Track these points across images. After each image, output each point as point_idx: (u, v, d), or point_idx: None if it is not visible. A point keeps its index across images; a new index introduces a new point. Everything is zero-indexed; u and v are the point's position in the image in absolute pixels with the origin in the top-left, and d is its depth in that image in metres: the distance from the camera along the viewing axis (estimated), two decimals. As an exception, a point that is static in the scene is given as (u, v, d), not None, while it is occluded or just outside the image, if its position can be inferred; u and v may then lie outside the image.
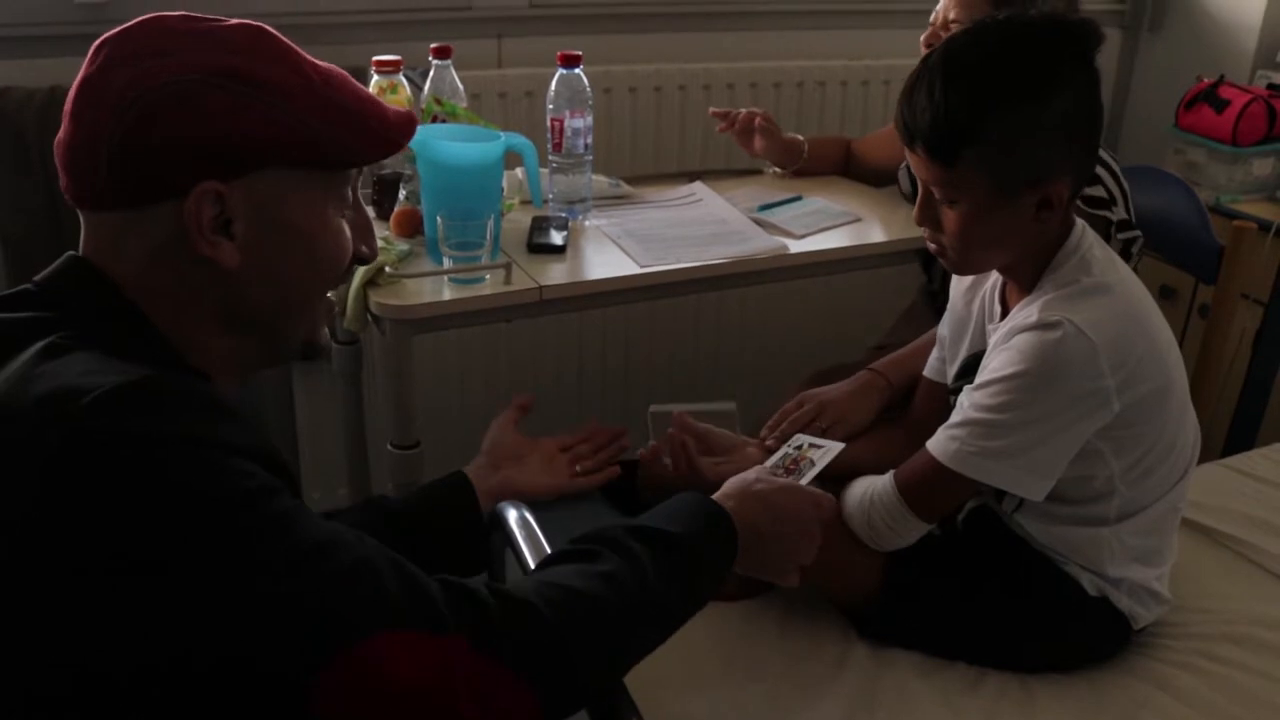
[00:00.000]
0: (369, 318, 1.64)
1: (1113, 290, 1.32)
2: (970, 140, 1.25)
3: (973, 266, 1.42)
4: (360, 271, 1.63)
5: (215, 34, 0.87)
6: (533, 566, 1.06)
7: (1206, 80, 2.69)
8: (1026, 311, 1.32)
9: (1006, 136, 1.24)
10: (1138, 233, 1.82)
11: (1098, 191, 1.79)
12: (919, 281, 2.25)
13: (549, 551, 1.07)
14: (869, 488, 1.41)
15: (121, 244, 0.87)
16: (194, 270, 0.87)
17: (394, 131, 0.95)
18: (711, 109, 2.15)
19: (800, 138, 2.22)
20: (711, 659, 1.36)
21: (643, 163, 2.47)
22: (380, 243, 1.70)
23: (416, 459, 1.67)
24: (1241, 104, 2.58)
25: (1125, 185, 1.82)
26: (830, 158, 2.26)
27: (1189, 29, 2.93)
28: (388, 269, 1.63)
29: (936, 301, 2.13)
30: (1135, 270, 1.76)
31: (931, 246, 1.38)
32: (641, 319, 2.59)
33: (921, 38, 1.91)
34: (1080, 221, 1.37)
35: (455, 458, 1.87)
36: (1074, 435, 1.30)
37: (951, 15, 1.87)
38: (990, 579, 1.42)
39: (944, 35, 1.82)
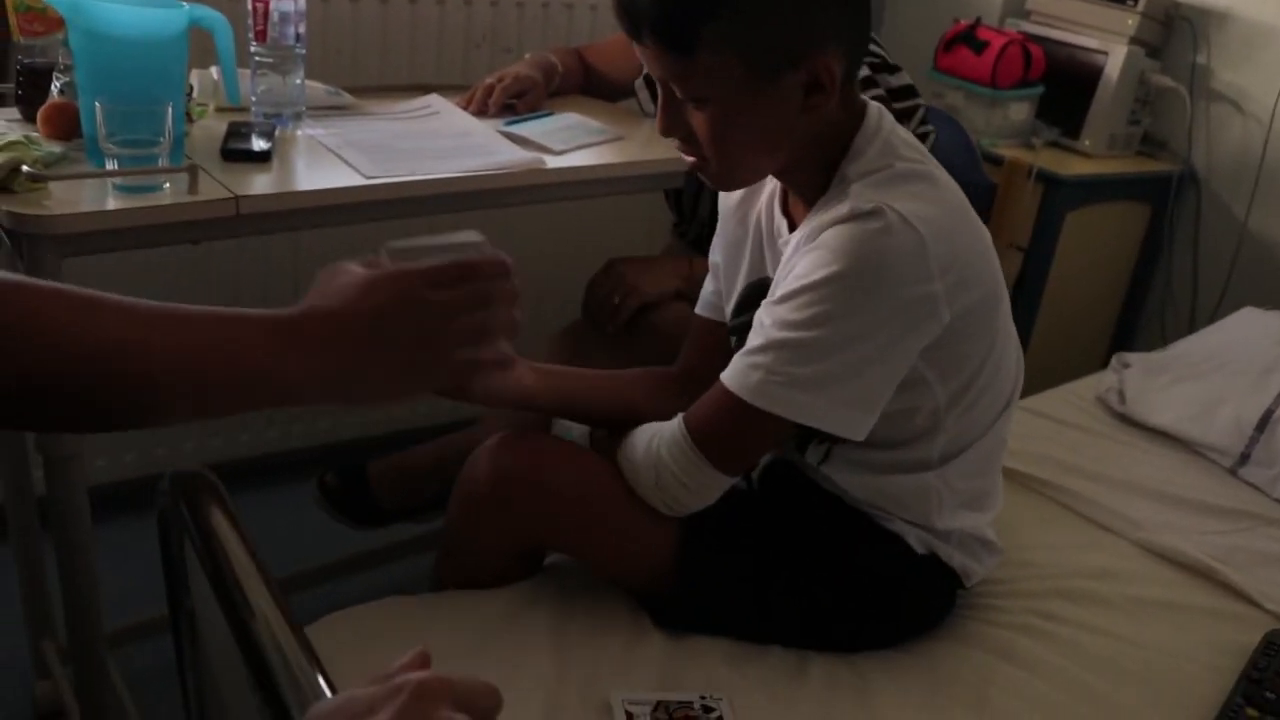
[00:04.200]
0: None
1: (934, 178, 1.08)
2: (707, 15, 0.98)
3: (740, 178, 1.16)
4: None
5: None
6: None
7: (964, 22, 2.60)
8: (836, 210, 1.05)
9: (752, 4, 0.98)
10: (930, 127, 1.67)
11: (903, 79, 1.61)
12: (671, 219, 2.01)
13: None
14: (654, 437, 1.13)
15: None
16: None
17: None
18: None
19: (552, 59, 1.93)
20: (467, 661, 1.06)
21: (365, 76, 2.11)
22: (21, 140, 1.31)
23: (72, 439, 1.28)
24: (1000, 45, 2.50)
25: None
26: (575, 71, 1.97)
27: (941, -26, 2.85)
28: (26, 167, 1.23)
29: (689, 239, 1.91)
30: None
31: (689, 159, 1.10)
32: (367, 245, 2.22)
33: None
34: (874, 104, 1.12)
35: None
36: (901, 354, 1.05)
37: None
38: (801, 545, 1.18)
39: None
